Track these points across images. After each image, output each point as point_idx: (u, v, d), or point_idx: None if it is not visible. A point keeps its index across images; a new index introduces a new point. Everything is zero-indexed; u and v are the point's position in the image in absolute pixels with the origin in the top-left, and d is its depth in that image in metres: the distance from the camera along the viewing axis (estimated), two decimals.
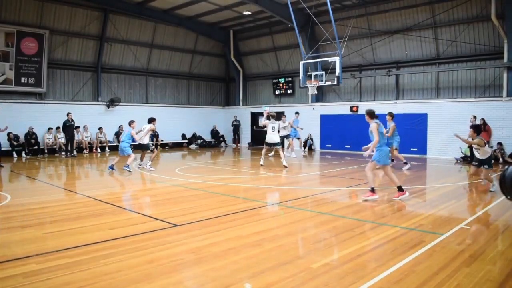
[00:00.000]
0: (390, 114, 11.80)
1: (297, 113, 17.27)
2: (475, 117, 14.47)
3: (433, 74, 17.31)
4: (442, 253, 4.37)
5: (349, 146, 18.77)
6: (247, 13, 19.82)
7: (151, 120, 11.88)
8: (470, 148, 14.41)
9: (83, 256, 4.25)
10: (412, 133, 16.61)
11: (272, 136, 12.76)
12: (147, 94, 22.06)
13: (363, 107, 18.58)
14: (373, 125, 7.19)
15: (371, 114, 7.33)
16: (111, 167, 11.47)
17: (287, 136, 16.00)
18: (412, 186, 8.99)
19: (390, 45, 18.25)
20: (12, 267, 3.94)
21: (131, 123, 11.65)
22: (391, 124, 11.59)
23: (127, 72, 21.08)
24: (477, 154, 8.16)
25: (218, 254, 4.36)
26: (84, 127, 18.24)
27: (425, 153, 16.48)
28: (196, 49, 23.59)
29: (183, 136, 22.88)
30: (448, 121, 15.35)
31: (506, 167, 3.73)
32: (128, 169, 10.92)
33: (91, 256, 4.25)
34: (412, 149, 16.54)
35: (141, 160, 12.25)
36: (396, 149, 11.93)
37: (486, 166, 8.03)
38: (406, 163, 12.19)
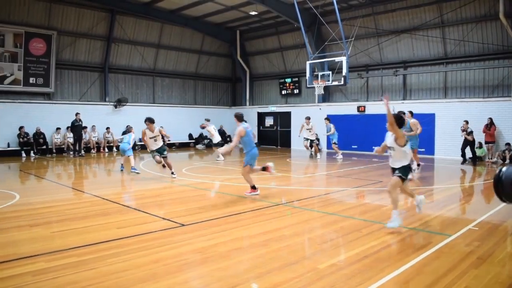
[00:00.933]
0: (410, 112, 11.18)
1: (327, 118, 16.08)
2: (467, 122, 14.16)
3: (441, 74, 17.17)
4: (450, 255, 4.33)
5: (356, 146, 18.69)
6: (253, 13, 19.82)
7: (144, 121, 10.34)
8: (472, 147, 14.12)
9: (90, 255, 4.28)
10: (419, 134, 16.42)
11: (217, 137, 15.68)
12: (154, 94, 22.16)
13: (370, 107, 18.51)
14: (239, 128, 7.48)
15: (238, 117, 7.68)
16: (122, 167, 11.66)
17: (313, 141, 15.82)
18: (420, 187, 8.92)
19: (397, 44, 18.13)
20: (20, 265, 3.98)
21: (130, 129, 11.88)
22: (411, 120, 10.73)
23: (134, 73, 21.20)
24: (390, 160, 5.52)
25: (224, 254, 4.37)
26: (92, 127, 18.39)
27: (433, 154, 16.35)
28: (202, 49, 23.64)
29: (190, 136, 22.96)
30: (456, 122, 15.20)
31: (499, 167, 3.65)
32: (135, 171, 10.83)
33: (98, 255, 4.28)
34: (419, 150, 16.37)
35: (170, 169, 10.46)
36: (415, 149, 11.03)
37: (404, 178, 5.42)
38: (418, 165, 11.45)
